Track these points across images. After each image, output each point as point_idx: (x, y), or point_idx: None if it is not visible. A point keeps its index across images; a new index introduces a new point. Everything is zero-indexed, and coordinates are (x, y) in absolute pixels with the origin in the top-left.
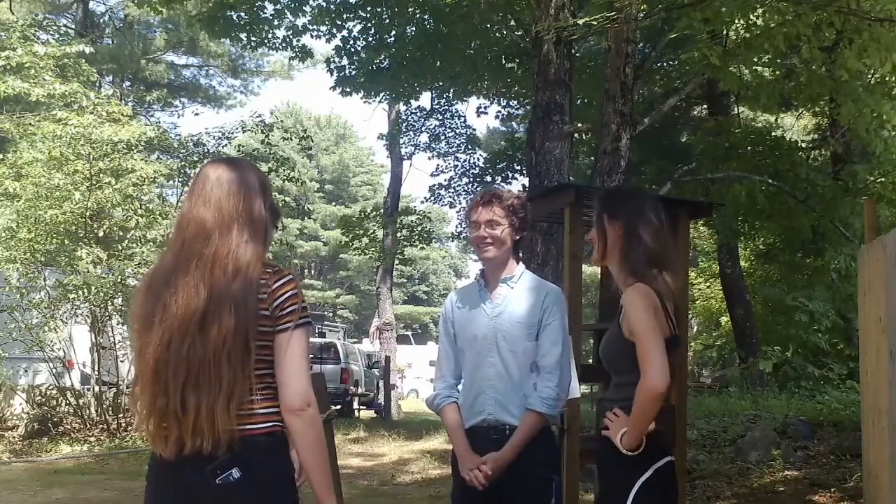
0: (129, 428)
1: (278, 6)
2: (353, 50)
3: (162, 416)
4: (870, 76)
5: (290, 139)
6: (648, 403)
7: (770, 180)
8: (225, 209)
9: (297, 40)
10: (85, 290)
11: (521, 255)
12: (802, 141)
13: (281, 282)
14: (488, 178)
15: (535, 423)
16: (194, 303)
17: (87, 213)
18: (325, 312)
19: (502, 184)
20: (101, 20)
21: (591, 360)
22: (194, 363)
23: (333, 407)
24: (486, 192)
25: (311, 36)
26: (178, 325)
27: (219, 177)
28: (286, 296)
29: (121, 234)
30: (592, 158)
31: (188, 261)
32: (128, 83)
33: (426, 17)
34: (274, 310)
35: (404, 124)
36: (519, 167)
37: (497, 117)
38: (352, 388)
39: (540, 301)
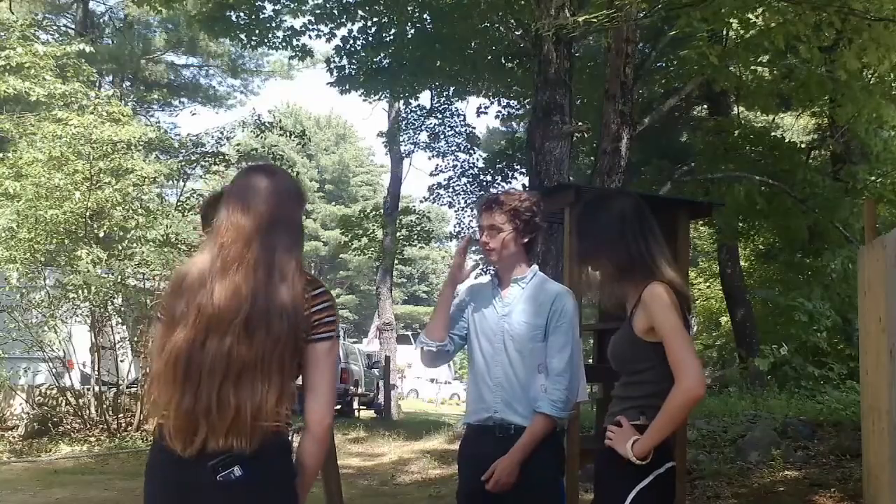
0: (129, 428)
1: (277, 6)
2: (352, 49)
3: (188, 415)
4: (869, 76)
5: (288, 137)
6: (682, 408)
7: (769, 180)
8: (265, 214)
9: (297, 40)
10: (85, 290)
11: (534, 254)
12: (802, 141)
13: (317, 291)
14: (488, 178)
15: (543, 425)
16: (236, 304)
17: (87, 213)
18: None
19: (502, 183)
20: (101, 20)
21: (591, 360)
22: (236, 363)
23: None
24: (489, 197)
25: (310, 36)
26: (216, 325)
27: (257, 183)
28: (322, 306)
29: (121, 234)
30: (592, 158)
31: (226, 265)
32: (128, 83)
33: (426, 16)
34: (309, 318)
35: (404, 122)
36: (519, 167)
37: (497, 117)
38: (352, 388)
39: (549, 303)
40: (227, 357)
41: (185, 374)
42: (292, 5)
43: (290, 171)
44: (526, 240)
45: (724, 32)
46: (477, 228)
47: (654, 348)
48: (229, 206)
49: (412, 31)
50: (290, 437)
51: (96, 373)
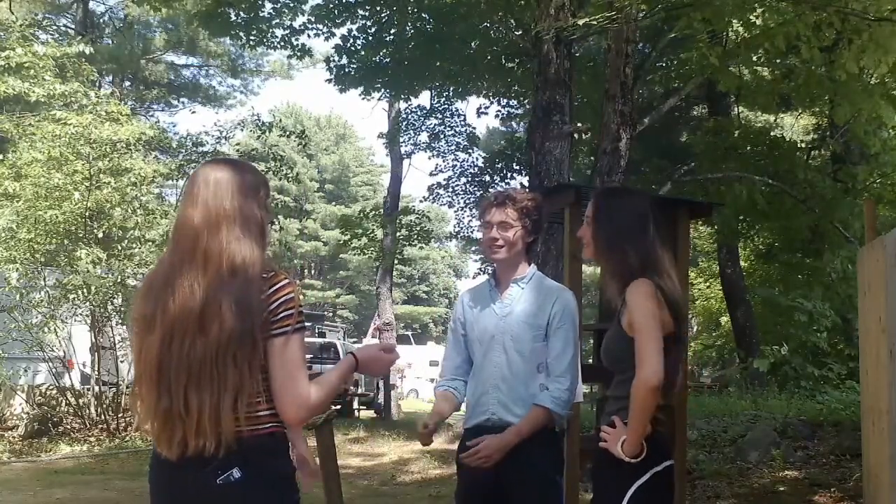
0: (129, 428)
1: (277, 5)
2: (352, 49)
3: (166, 417)
4: (869, 77)
5: (288, 136)
6: (644, 399)
7: (770, 180)
8: (212, 208)
9: (296, 39)
10: (85, 290)
11: (534, 255)
12: (802, 141)
13: (277, 286)
14: (487, 178)
15: (540, 418)
16: (191, 302)
17: (87, 213)
18: (325, 312)
19: (502, 183)
20: (101, 20)
21: (591, 360)
22: (195, 363)
23: (333, 407)
24: (500, 193)
25: (309, 35)
26: (178, 325)
27: (206, 177)
28: (281, 300)
29: (120, 233)
30: (592, 158)
31: (182, 261)
32: (128, 83)
33: (426, 16)
34: (268, 315)
35: (404, 123)
36: (518, 167)
37: (497, 117)
38: (352, 388)
39: (550, 303)
40: (186, 358)
41: (158, 377)
42: (292, 4)
43: (289, 170)
44: (531, 240)
45: (724, 33)
46: (482, 225)
47: None
48: (183, 201)
49: (412, 30)
50: (281, 436)
51: (96, 373)
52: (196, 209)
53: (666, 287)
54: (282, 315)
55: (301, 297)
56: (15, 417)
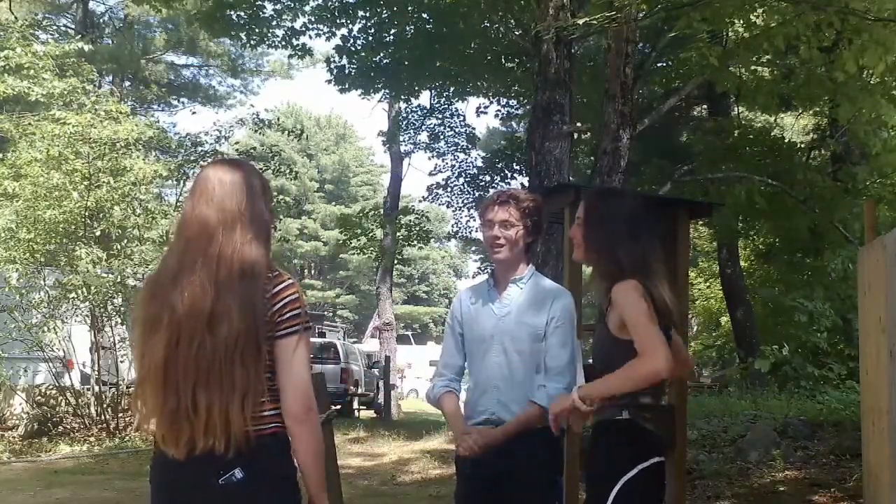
0: (129, 428)
1: (278, 6)
2: (352, 49)
3: (173, 417)
4: (869, 77)
5: (285, 133)
6: (643, 380)
7: (770, 180)
8: (228, 208)
9: (297, 39)
10: (85, 290)
11: (534, 256)
12: (802, 141)
13: (281, 286)
14: (487, 178)
15: (534, 416)
16: (201, 302)
17: (86, 213)
18: (325, 312)
19: (501, 183)
20: (101, 20)
21: (591, 360)
22: (203, 363)
23: (333, 407)
24: (502, 192)
25: (310, 36)
26: (186, 324)
27: (221, 177)
28: (287, 300)
29: (119, 233)
30: (592, 158)
31: (193, 261)
32: (128, 83)
33: (426, 16)
34: (273, 315)
35: (404, 122)
36: (518, 167)
37: (497, 117)
38: (352, 388)
39: (548, 303)
40: (195, 358)
41: (164, 377)
42: (292, 5)
43: (289, 170)
44: (531, 240)
45: (724, 33)
46: (484, 223)
47: (631, 346)
48: (193, 199)
49: (412, 31)
50: (283, 437)
51: (96, 373)
52: (212, 209)
53: (654, 290)
54: (288, 315)
55: (304, 296)
56: (15, 417)
